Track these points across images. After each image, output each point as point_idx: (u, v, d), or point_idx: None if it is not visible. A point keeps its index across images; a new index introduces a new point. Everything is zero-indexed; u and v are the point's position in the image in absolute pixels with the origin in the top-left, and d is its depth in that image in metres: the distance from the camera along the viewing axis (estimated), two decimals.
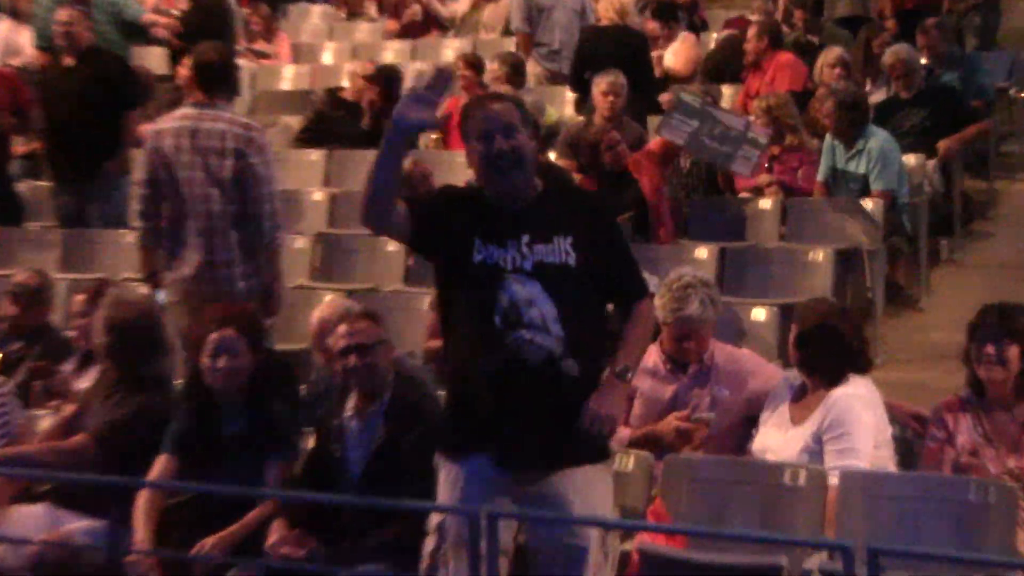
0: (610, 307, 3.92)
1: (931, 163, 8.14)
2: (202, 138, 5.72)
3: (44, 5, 9.16)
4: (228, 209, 5.73)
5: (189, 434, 4.71)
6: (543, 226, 3.74)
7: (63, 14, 7.94)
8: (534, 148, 3.82)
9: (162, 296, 5.78)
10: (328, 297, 6.08)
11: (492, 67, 9.22)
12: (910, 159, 7.96)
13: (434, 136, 8.83)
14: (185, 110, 5.96)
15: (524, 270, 3.70)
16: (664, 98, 8.38)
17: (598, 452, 3.75)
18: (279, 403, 4.82)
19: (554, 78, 9.75)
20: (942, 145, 8.16)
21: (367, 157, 8.21)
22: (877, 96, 8.78)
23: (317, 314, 5.28)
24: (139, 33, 9.27)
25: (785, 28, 9.65)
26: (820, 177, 7.71)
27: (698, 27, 10.58)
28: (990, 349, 4.33)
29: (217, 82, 5.89)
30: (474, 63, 9.23)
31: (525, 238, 3.72)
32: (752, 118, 7.53)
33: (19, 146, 8.77)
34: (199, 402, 4.78)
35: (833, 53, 8.80)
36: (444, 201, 3.88)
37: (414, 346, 5.71)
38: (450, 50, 11.25)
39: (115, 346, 5.00)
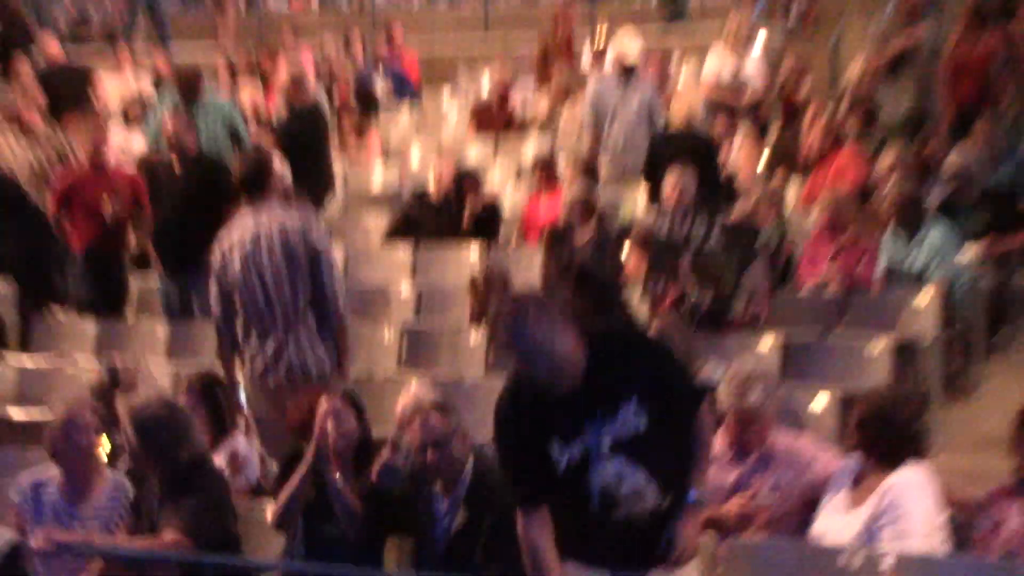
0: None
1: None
2: (266, 238, 5.77)
3: (156, 114, 9.69)
4: (301, 297, 5.73)
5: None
6: (606, 399, 3.56)
7: (171, 123, 8.35)
8: (554, 344, 3.48)
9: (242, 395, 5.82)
10: (414, 382, 5.97)
11: (566, 168, 9.72)
12: (969, 251, 7.99)
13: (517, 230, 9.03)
14: (244, 219, 5.95)
15: (604, 452, 3.58)
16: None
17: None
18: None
19: (623, 175, 9.99)
20: (995, 248, 8.21)
21: (450, 252, 8.89)
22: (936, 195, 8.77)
23: (403, 400, 5.15)
24: (242, 140, 9.72)
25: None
26: (880, 270, 7.75)
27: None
28: None
29: (259, 185, 5.94)
30: (548, 163, 9.80)
31: (598, 413, 3.57)
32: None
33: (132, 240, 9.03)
34: (314, 480, 4.80)
35: (889, 156, 8.91)
36: (514, 428, 3.62)
37: None
38: (529, 147, 11.72)
39: (145, 444, 4.82)
